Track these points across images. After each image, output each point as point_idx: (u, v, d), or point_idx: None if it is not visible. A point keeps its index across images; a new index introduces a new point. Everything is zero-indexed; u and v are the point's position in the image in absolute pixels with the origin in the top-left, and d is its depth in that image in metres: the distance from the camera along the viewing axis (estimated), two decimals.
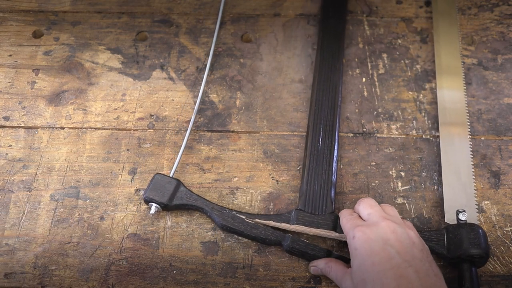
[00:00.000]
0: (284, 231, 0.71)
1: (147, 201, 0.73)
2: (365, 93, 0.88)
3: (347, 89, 0.89)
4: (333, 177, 0.73)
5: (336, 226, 0.68)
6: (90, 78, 0.93)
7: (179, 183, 0.74)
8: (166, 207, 0.73)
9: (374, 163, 0.80)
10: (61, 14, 1.03)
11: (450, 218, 0.68)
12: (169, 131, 0.85)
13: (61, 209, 0.78)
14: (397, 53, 0.92)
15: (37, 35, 1.00)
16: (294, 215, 0.69)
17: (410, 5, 0.99)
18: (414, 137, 0.82)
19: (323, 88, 0.85)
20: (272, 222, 0.69)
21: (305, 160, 0.77)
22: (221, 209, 0.71)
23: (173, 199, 0.73)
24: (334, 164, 0.75)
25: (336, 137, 0.78)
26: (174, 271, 0.71)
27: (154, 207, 0.73)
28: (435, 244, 0.64)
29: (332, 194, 0.71)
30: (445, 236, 0.65)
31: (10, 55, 0.97)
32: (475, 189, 0.73)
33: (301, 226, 0.68)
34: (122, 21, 1.01)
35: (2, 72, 0.95)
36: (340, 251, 0.71)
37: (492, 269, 0.69)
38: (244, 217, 0.70)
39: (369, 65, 0.92)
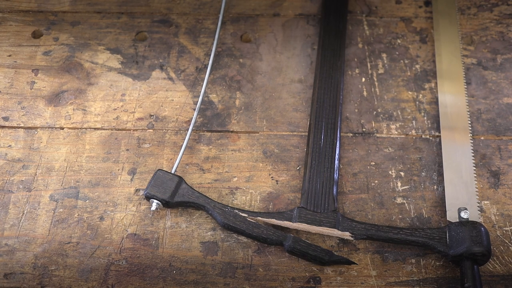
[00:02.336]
0: (286, 230, 0.71)
1: (148, 197, 0.73)
2: (365, 93, 0.88)
3: (346, 89, 0.89)
4: (335, 175, 0.73)
5: (338, 223, 0.68)
6: (90, 78, 0.93)
7: (181, 180, 0.74)
8: (167, 204, 0.73)
9: (373, 163, 0.80)
10: (60, 14, 1.03)
11: (452, 216, 0.68)
12: (169, 131, 0.85)
13: (61, 209, 0.78)
14: (397, 53, 0.92)
15: (36, 35, 1.00)
16: (296, 213, 0.69)
17: (409, 5, 0.99)
18: (414, 137, 0.82)
19: (324, 86, 0.85)
20: (274, 220, 0.69)
21: (307, 158, 0.77)
22: (222, 207, 0.71)
23: (175, 196, 0.72)
24: (336, 162, 0.75)
25: (338, 135, 0.78)
26: (174, 271, 0.71)
27: (155, 203, 0.73)
28: (437, 242, 0.64)
29: (334, 192, 0.71)
30: (447, 234, 0.65)
31: (9, 55, 0.97)
32: (476, 188, 0.73)
33: (303, 224, 0.68)
34: (121, 21, 1.01)
35: (1, 72, 0.95)
36: (340, 252, 0.71)
37: (492, 269, 0.69)
38: (246, 215, 0.70)
39: (368, 65, 0.92)
